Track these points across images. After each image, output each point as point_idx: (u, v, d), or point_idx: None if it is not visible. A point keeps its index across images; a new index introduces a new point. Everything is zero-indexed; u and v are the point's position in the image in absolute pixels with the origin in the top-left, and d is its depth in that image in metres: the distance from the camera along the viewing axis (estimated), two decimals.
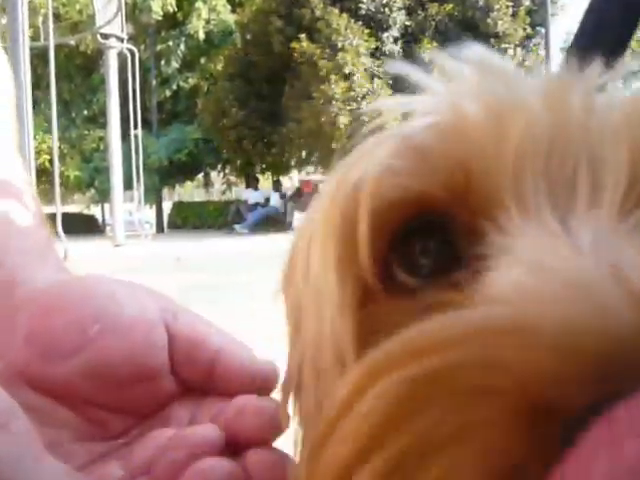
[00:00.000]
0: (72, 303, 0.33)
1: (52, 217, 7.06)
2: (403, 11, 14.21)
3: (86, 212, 18.53)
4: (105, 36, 10.53)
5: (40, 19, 10.26)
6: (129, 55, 10.81)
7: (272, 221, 13.79)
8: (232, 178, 18.66)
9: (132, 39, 13.19)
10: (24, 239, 0.37)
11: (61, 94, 16.38)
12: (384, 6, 14.02)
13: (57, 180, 7.96)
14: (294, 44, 13.17)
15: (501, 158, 0.24)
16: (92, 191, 17.29)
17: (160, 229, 16.67)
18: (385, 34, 13.99)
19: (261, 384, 0.35)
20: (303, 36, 13.13)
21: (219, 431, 0.32)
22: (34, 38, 10.02)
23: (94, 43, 13.49)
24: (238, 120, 14.60)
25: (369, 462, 0.18)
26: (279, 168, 16.03)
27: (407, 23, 14.25)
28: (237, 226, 13.88)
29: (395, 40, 14.14)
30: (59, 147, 12.65)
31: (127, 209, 12.61)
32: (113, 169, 10.97)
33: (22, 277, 0.35)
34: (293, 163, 15.58)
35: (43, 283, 0.35)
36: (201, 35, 17.23)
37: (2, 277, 0.35)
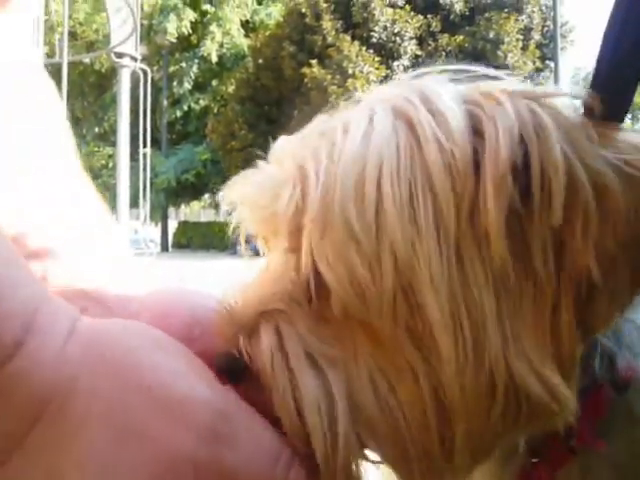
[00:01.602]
0: (180, 309, 0.47)
1: None
2: (414, 41, 14.37)
3: None
4: (119, 55, 10.66)
5: (57, 37, 10.40)
6: (142, 75, 10.93)
7: None
8: None
9: (146, 59, 13.34)
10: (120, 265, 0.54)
11: (73, 111, 16.55)
12: (395, 35, 14.17)
13: None
14: (305, 69, 13.30)
15: None
16: None
17: (165, 248, 16.68)
18: (396, 62, 14.13)
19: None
20: (314, 62, 13.27)
21: None
22: (50, 55, 10.15)
23: (108, 62, 13.67)
24: (247, 142, 14.69)
25: None
26: None
27: (418, 53, 14.39)
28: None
29: (405, 69, 14.26)
30: None
31: (133, 227, 12.64)
32: (120, 186, 11.03)
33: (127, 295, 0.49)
34: None
35: (147, 296, 0.49)
36: (214, 58, 17.44)
37: (116, 298, 0.48)
